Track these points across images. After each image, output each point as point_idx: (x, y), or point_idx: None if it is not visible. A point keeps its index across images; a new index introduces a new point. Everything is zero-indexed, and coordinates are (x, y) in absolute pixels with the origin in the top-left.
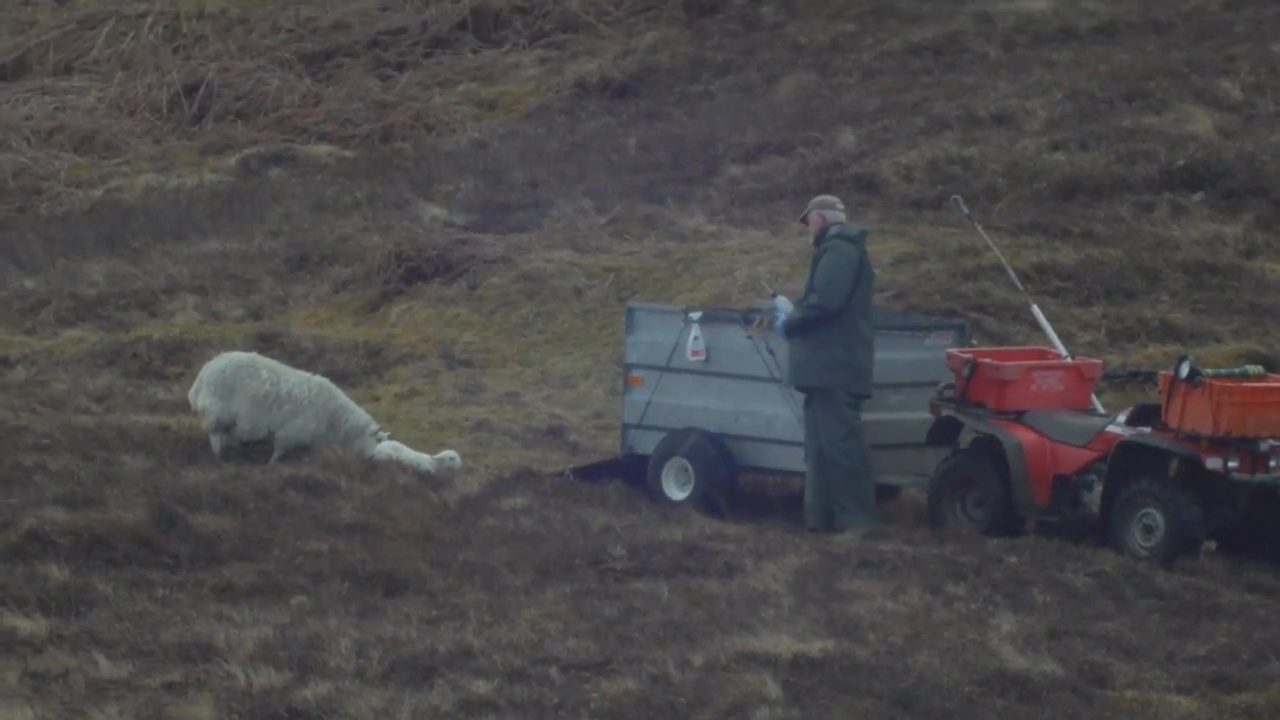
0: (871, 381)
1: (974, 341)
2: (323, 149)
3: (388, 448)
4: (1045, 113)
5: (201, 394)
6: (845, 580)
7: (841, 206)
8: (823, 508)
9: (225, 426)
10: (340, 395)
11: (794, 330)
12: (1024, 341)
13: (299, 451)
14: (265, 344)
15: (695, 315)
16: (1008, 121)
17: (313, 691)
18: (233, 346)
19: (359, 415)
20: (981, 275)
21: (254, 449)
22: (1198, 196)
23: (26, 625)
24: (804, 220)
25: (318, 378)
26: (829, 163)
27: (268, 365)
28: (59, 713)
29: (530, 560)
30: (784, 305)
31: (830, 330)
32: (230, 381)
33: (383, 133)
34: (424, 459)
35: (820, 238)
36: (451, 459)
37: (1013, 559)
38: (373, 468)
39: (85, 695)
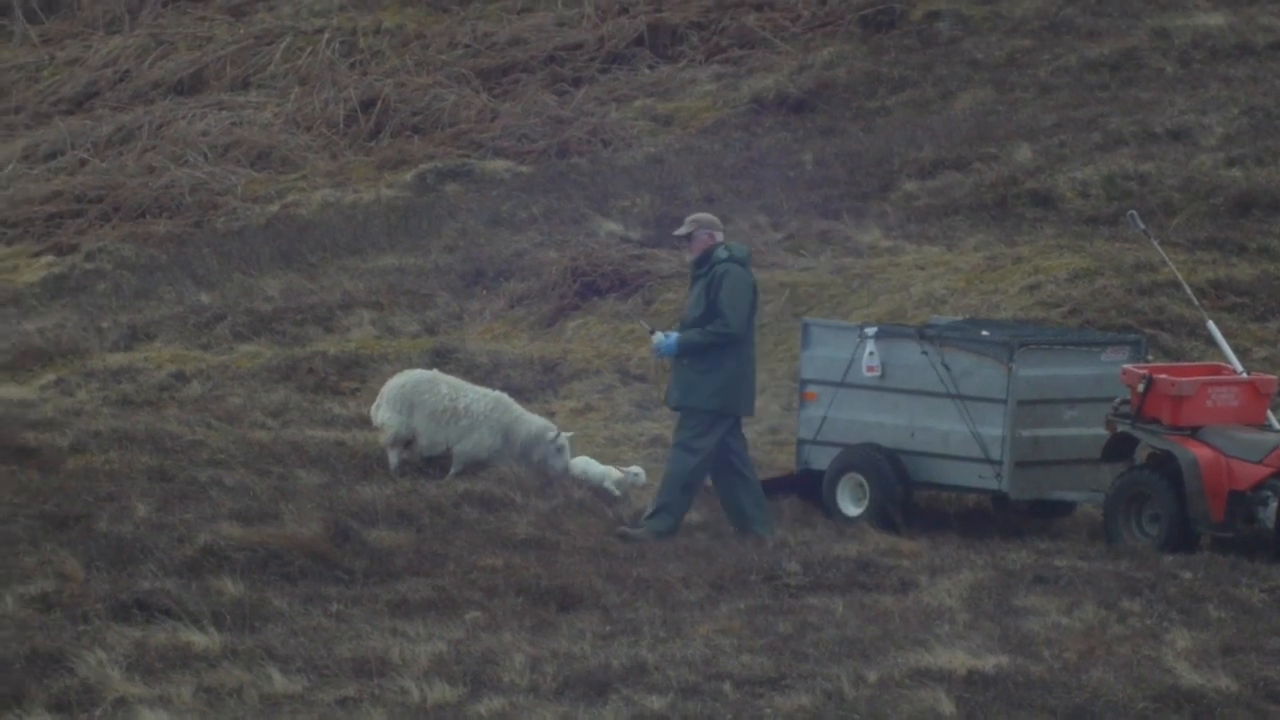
0: (753, 403)
1: (1150, 357)
2: (499, 164)
3: (580, 462)
4: (1222, 128)
5: (381, 409)
6: (1020, 596)
7: (720, 224)
8: (741, 513)
9: (404, 441)
10: (516, 408)
11: (691, 351)
12: (1200, 357)
13: (476, 466)
14: (441, 359)
15: (870, 331)
16: (1184, 137)
17: (486, 707)
18: (408, 362)
19: (534, 423)
20: (1157, 291)
21: (429, 464)
22: None
23: (201, 640)
24: (687, 237)
25: (496, 392)
26: (1005, 178)
27: (447, 381)
28: None
29: (705, 576)
30: (660, 340)
31: (724, 354)
32: (410, 397)
33: (559, 148)
34: (611, 473)
35: (705, 258)
36: (635, 475)
37: (1187, 575)
38: (548, 483)
39: (259, 710)
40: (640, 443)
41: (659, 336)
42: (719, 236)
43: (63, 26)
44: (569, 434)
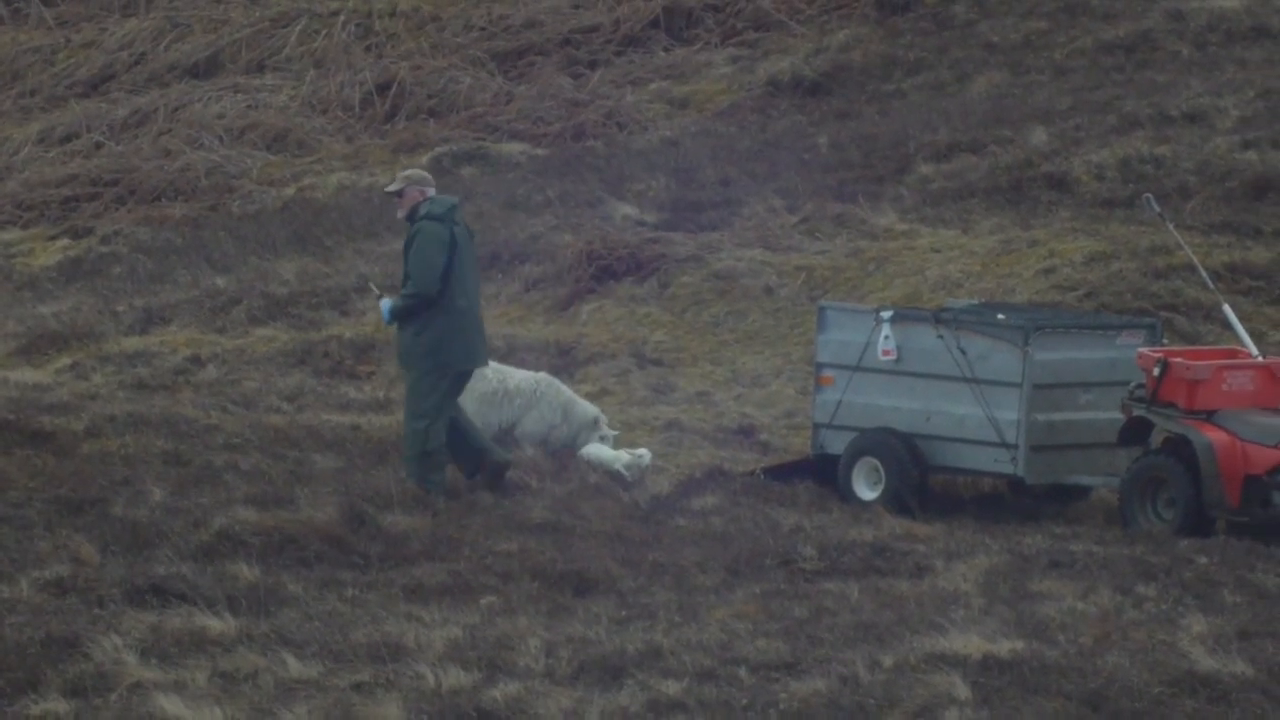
0: (480, 354)
1: (1165, 341)
2: (514, 147)
3: (591, 449)
4: (1237, 111)
5: None
6: (1035, 581)
7: (432, 181)
8: (469, 450)
9: None
10: (566, 389)
11: (399, 316)
12: (1215, 341)
13: (540, 444)
14: None
15: (886, 314)
16: (1200, 120)
17: (502, 692)
18: None
19: (587, 409)
20: (1173, 274)
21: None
22: None
23: (216, 625)
24: (398, 194)
25: (541, 373)
26: (1020, 161)
27: (491, 366)
28: (248, 713)
29: (720, 560)
30: (386, 305)
31: (433, 313)
32: None
33: (574, 131)
34: (621, 456)
35: (412, 215)
36: (641, 457)
37: (1203, 559)
38: (563, 467)
39: (274, 695)
40: (656, 426)
41: (385, 301)
42: (429, 192)
43: (78, 9)
44: (615, 432)
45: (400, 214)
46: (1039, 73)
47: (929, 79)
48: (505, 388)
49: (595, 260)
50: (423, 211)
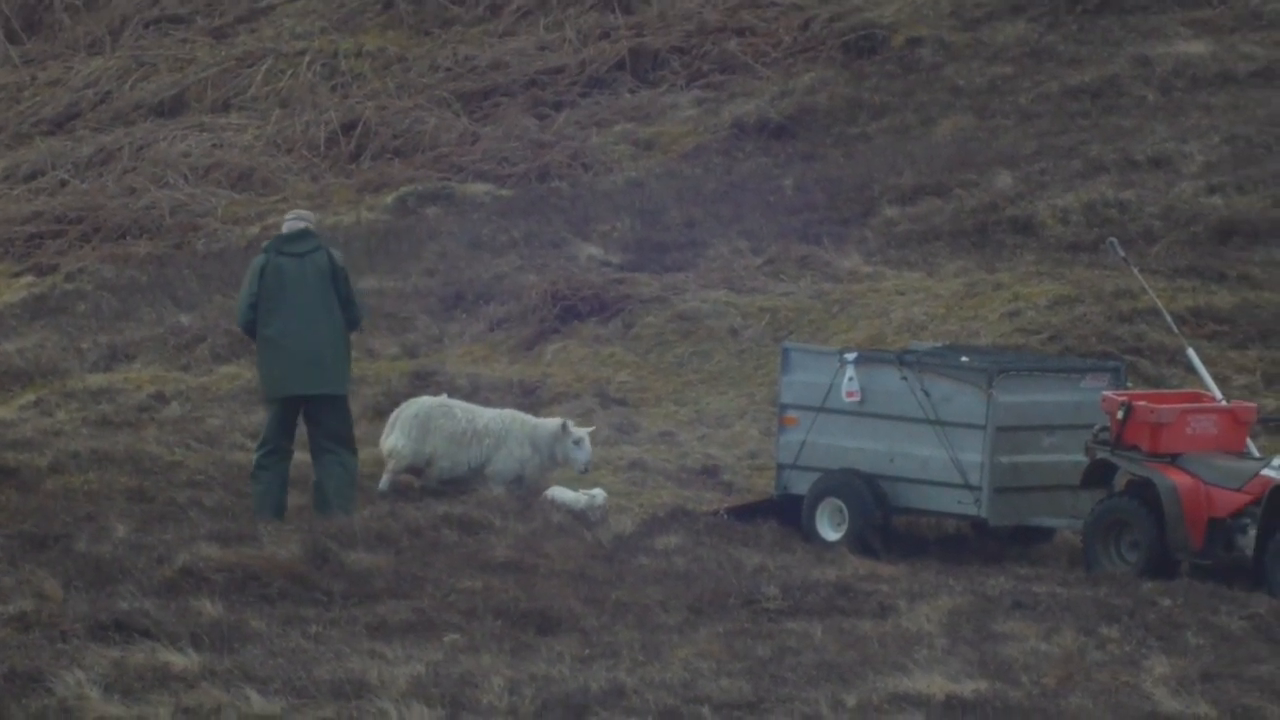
0: (304, 381)
1: (1129, 384)
2: (480, 188)
3: (552, 492)
4: (1203, 156)
5: (392, 437)
6: (999, 621)
7: (297, 215)
8: (321, 491)
9: (417, 469)
10: (530, 417)
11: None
12: (1179, 385)
13: (514, 482)
14: (421, 382)
15: (850, 356)
16: (1165, 165)
17: None
18: (387, 384)
19: (549, 424)
20: (1137, 318)
21: (406, 490)
22: None
23: (180, 660)
24: None
25: (507, 410)
26: (985, 205)
27: (460, 405)
28: None
29: (684, 599)
30: None
31: (259, 345)
32: (425, 423)
33: (540, 172)
34: (580, 498)
35: None
36: (593, 496)
37: (1167, 602)
38: (526, 506)
39: None
40: (620, 466)
41: None
42: (284, 228)
43: (44, 47)
44: (589, 429)
45: None
46: (1004, 117)
47: (894, 122)
48: (474, 427)
49: (560, 300)
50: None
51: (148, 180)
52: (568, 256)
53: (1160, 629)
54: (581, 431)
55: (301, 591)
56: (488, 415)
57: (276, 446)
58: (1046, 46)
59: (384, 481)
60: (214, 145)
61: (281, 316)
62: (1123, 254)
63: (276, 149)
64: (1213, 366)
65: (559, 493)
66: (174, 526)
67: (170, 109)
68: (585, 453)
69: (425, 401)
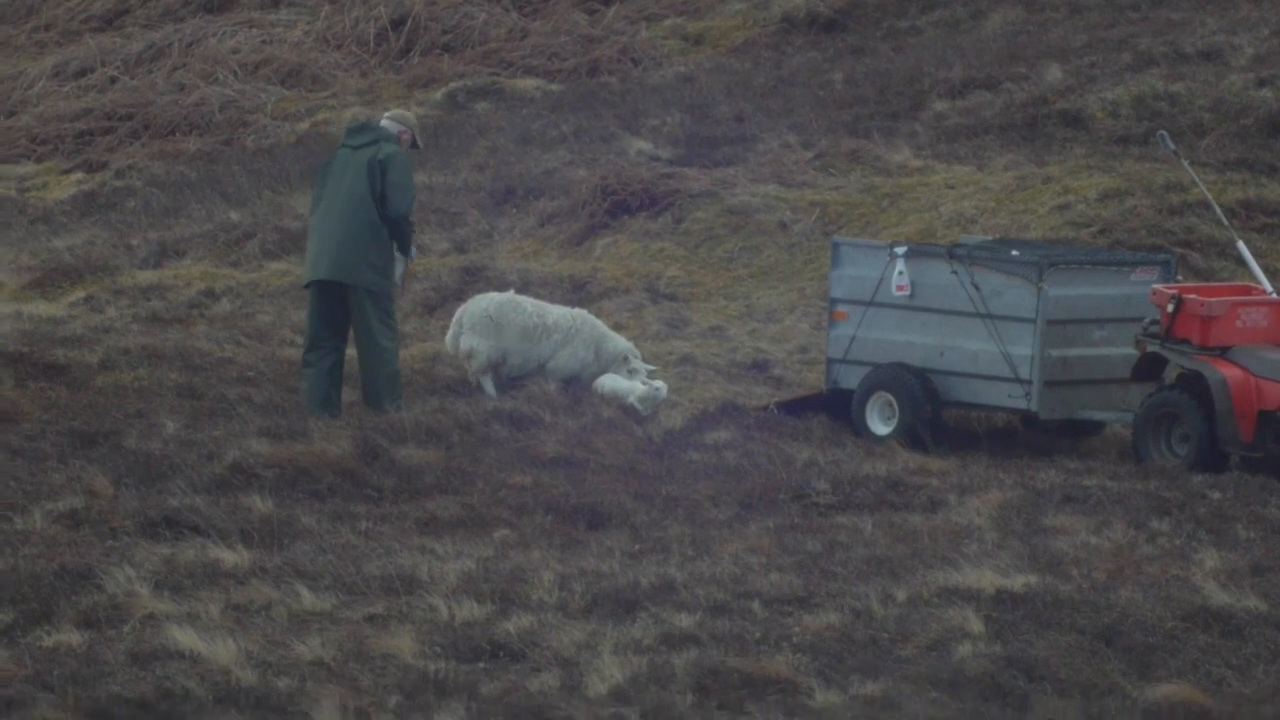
0: (324, 267)
1: (1179, 277)
2: (529, 83)
3: (605, 380)
4: (1252, 49)
5: (465, 337)
6: (1049, 515)
7: (396, 115)
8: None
9: (495, 365)
10: (600, 324)
11: None
12: (1229, 277)
13: (570, 381)
14: (470, 277)
15: (900, 250)
16: (1214, 57)
17: (515, 624)
18: (437, 279)
19: (618, 343)
20: (1187, 211)
21: (463, 386)
22: None
23: (230, 557)
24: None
25: (577, 309)
26: (1035, 98)
27: (529, 301)
28: (261, 644)
29: (733, 494)
30: None
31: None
32: (497, 319)
33: (589, 67)
34: (636, 388)
35: None
36: (658, 389)
37: (1216, 495)
38: (576, 400)
39: (287, 627)
40: (670, 360)
41: None
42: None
43: None
44: (652, 368)
45: None
46: (1054, 10)
47: (944, 16)
48: (544, 323)
49: (610, 195)
50: None
51: (197, 77)
52: (617, 151)
53: (1210, 522)
54: (643, 367)
55: (351, 487)
56: (557, 312)
57: (317, 340)
58: None
59: (488, 387)
60: (263, 41)
61: (322, 205)
62: (1172, 147)
63: (326, 44)
64: (1263, 259)
65: (610, 380)
66: (224, 423)
67: (219, 5)
68: (642, 388)
69: (493, 298)
